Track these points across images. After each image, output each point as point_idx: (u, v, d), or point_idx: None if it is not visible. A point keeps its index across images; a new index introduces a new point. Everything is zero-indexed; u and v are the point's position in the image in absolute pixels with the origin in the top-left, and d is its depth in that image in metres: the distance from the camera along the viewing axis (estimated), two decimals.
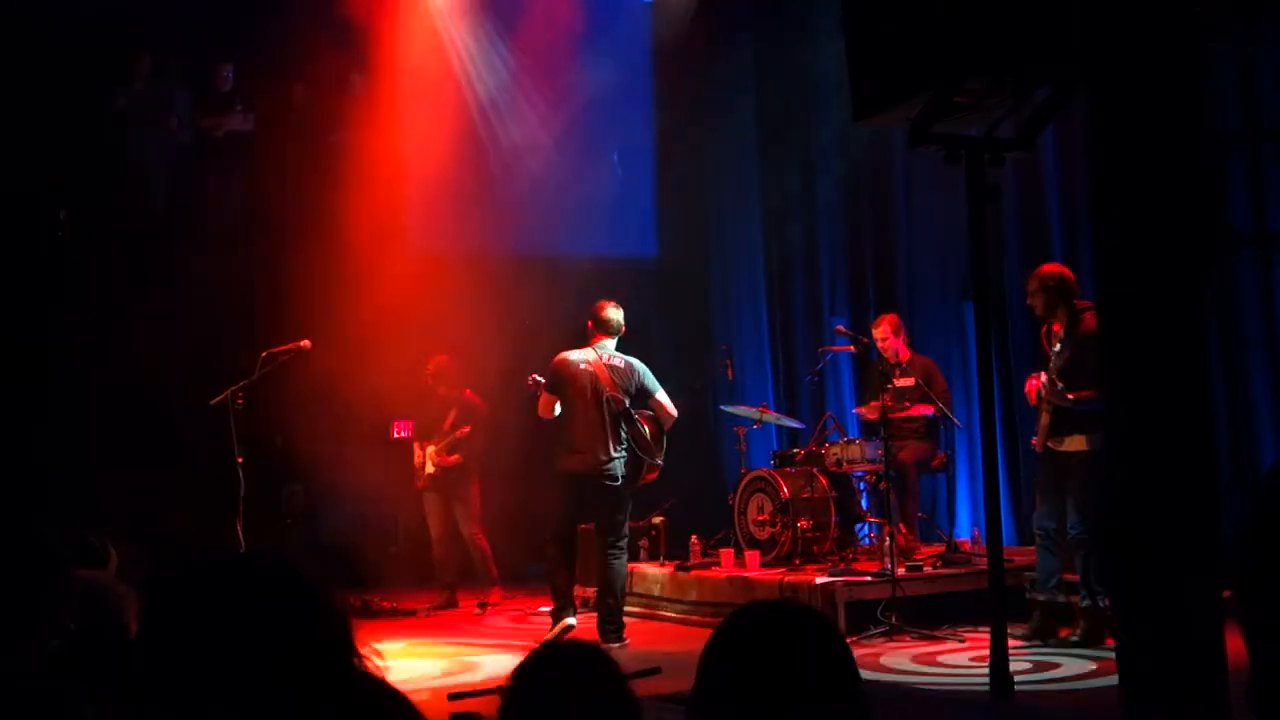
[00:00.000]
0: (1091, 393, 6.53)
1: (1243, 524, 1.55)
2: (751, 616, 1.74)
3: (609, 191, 11.64)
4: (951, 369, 9.24)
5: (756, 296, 11.65)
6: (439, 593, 9.39)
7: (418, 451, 9.52)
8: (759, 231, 11.60)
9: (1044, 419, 6.83)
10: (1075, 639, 6.64)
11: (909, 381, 8.48)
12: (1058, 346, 6.77)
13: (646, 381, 7.61)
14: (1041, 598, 6.89)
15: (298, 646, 1.40)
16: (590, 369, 7.52)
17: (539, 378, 7.71)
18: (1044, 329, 7.02)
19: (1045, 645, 6.68)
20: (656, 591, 8.71)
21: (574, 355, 7.61)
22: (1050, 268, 7.05)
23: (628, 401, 7.53)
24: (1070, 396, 6.63)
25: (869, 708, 1.63)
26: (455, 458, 9.32)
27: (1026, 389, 7.02)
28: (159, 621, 1.42)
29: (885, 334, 8.58)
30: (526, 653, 2.20)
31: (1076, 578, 6.86)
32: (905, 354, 8.66)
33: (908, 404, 8.42)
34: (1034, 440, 6.99)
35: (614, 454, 7.45)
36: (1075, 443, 6.68)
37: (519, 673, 2.14)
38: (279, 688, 1.37)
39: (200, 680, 1.36)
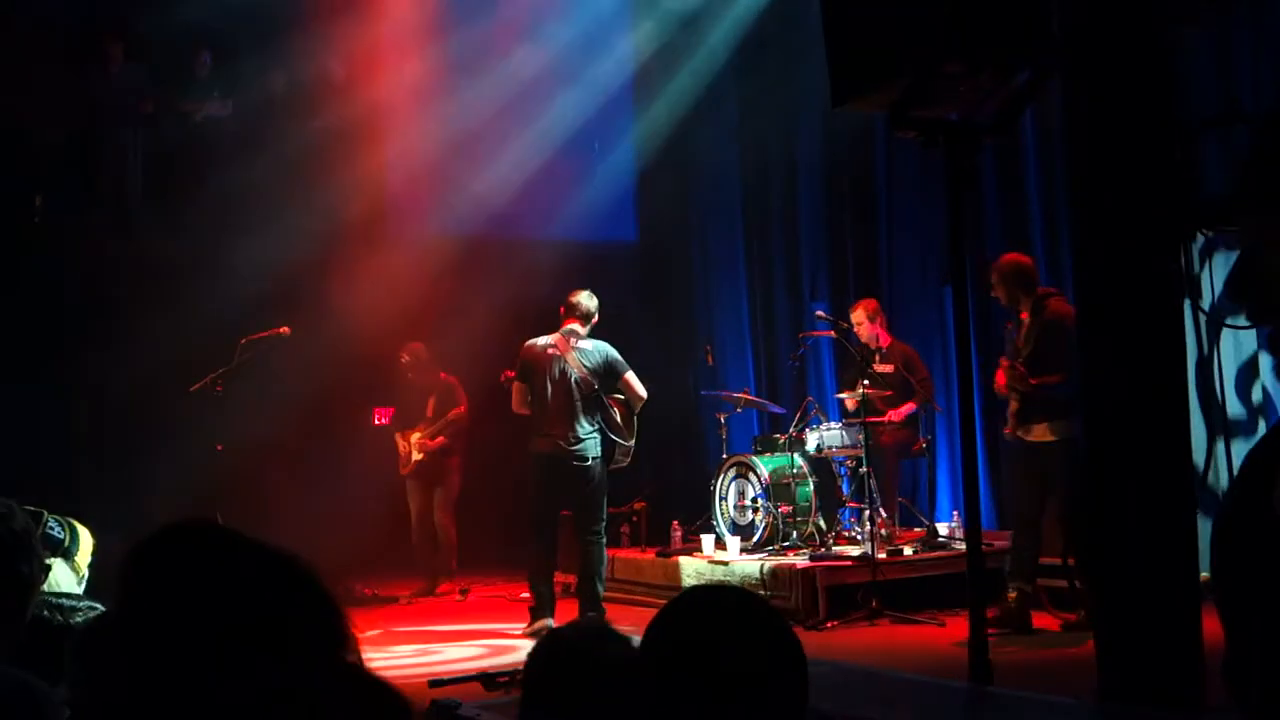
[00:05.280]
0: (1056, 378, 6.59)
1: (1220, 504, 1.56)
2: (687, 598, 1.77)
3: (589, 176, 11.61)
4: (932, 355, 9.26)
5: (737, 282, 11.63)
6: (420, 580, 9.38)
7: (401, 443, 9.47)
8: (739, 216, 11.59)
9: (1013, 406, 6.88)
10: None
11: (888, 368, 8.48)
12: (1024, 333, 6.84)
13: (614, 363, 7.58)
14: (1016, 584, 6.89)
15: (282, 617, 1.38)
16: (557, 352, 7.51)
17: (510, 374, 7.70)
18: (1009, 319, 7.10)
19: (1019, 633, 6.69)
20: (637, 577, 8.71)
21: (541, 340, 7.60)
22: (1007, 258, 7.10)
23: (597, 384, 7.52)
24: (1033, 382, 6.68)
25: (804, 686, 1.66)
26: (440, 440, 9.30)
27: (996, 379, 7.06)
28: (138, 592, 1.39)
29: (861, 319, 8.58)
30: (535, 641, 2.22)
31: (1057, 561, 6.90)
32: (885, 340, 8.66)
33: (888, 392, 8.43)
34: (1005, 429, 7.05)
35: (584, 436, 7.44)
36: (1041, 431, 6.77)
37: (533, 660, 2.16)
38: (264, 662, 1.34)
39: (180, 653, 1.33)
